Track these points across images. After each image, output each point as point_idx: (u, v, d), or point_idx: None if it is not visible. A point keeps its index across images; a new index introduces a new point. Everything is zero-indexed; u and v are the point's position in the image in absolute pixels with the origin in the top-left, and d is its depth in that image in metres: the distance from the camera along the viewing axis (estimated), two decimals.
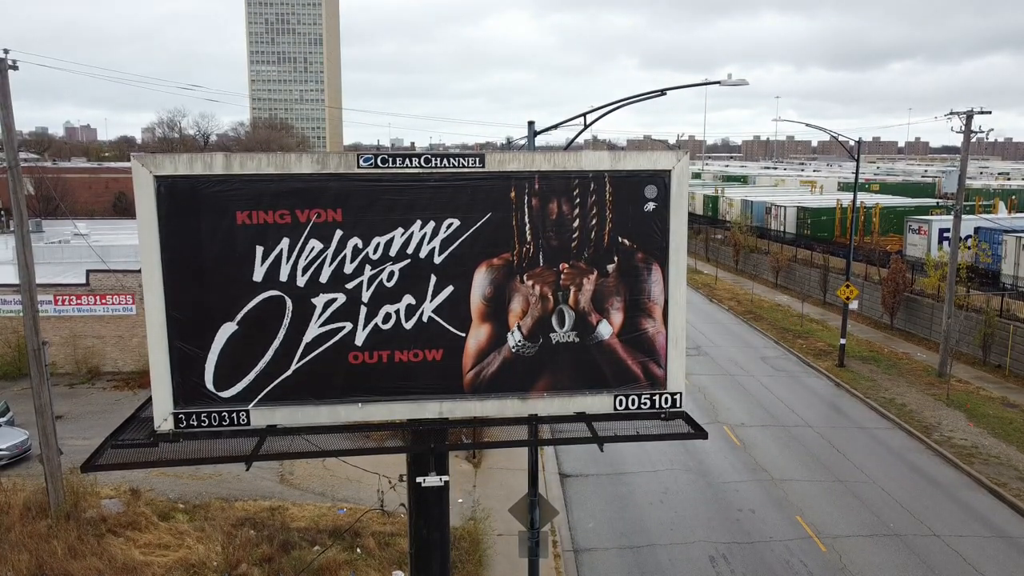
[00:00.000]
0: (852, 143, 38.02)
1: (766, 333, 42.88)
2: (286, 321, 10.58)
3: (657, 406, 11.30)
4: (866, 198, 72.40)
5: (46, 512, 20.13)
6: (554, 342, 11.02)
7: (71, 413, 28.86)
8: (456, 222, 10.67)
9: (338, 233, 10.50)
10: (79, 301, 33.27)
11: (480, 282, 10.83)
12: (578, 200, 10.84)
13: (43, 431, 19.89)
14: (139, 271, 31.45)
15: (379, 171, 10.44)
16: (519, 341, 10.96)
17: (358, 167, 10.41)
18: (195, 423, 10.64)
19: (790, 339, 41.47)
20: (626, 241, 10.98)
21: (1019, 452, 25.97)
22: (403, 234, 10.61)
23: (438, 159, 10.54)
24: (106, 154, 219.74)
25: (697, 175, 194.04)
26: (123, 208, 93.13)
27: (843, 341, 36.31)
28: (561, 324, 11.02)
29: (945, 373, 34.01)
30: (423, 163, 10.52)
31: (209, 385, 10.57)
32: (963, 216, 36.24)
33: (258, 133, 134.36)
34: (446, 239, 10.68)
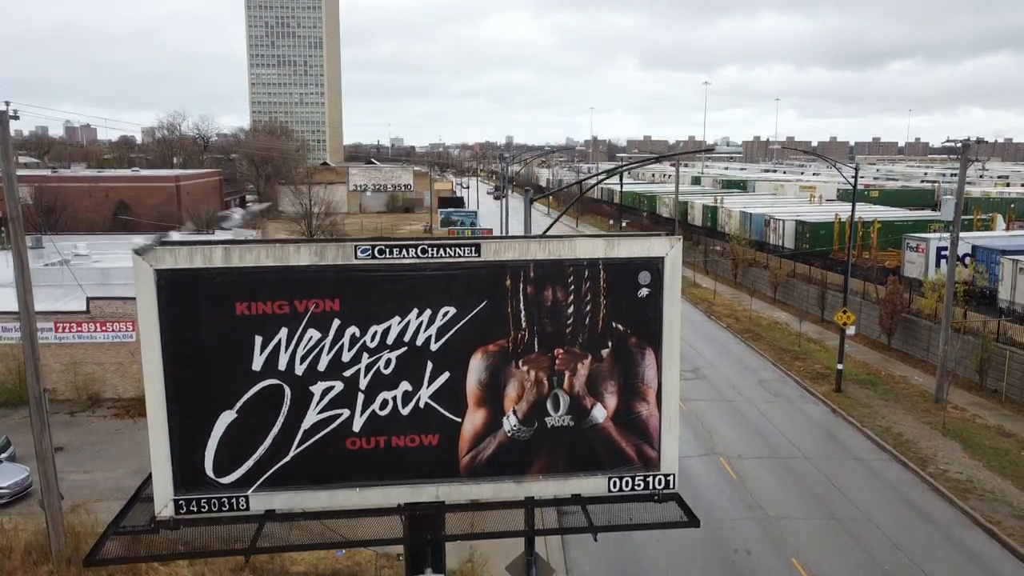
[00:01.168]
0: (851, 167, 38.13)
1: (764, 354, 43.02)
2: (285, 408, 10.74)
3: (651, 487, 11.46)
4: (865, 211, 72.40)
5: (48, 556, 20.28)
6: (549, 426, 11.18)
7: (71, 444, 28.99)
8: (452, 310, 10.82)
9: (336, 322, 10.65)
10: (79, 328, 33.41)
11: (476, 368, 10.98)
12: (573, 287, 10.99)
13: (44, 476, 20.03)
14: None
15: (376, 262, 10.58)
16: (515, 425, 11.11)
17: (355, 258, 10.56)
18: (195, 509, 10.81)
19: (788, 360, 41.61)
20: (620, 326, 11.13)
21: (1014, 487, 26.12)
22: (400, 322, 10.76)
23: (434, 249, 10.68)
24: (107, 157, 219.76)
25: (697, 180, 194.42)
26: (124, 223, 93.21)
27: (840, 367, 36.46)
28: (556, 408, 11.17)
29: (942, 399, 34.15)
30: (419, 253, 10.67)
31: (209, 471, 10.73)
32: (960, 234, 36.32)
33: (258, 138, 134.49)
34: (442, 327, 10.83)
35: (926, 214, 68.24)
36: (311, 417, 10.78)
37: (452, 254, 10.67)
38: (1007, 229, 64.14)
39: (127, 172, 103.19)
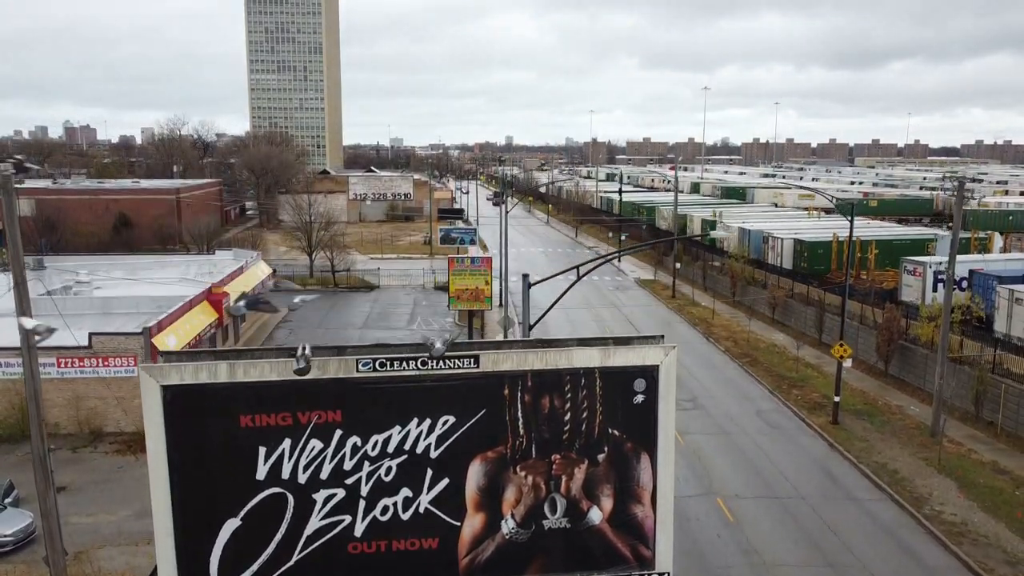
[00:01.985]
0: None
1: (762, 381, 43.26)
2: (287, 516, 10.98)
3: None
4: (862, 228, 72.57)
5: None
6: (546, 528, 11.43)
7: (74, 484, 29.24)
8: (451, 419, 11.07)
9: (338, 432, 10.90)
10: (81, 363, 33.66)
11: (475, 474, 11.23)
12: (569, 395, 11.24)
13: (49, 533, 20.23)
14: (140, 332, 31.69)
15: (377, 374, 10.82)
16: (513, 528, 11.35)
17: (357, 371, 10.80)
18: None
19: (785, 388, 41.85)
20: (616, 432, 11.38)
21: (1007, 530, 26.37)
22: (400, 431, 11.01)
23: (434, 361, 10.92)
24: (107, 160, 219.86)
25: (696, 187, 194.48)
26: (125, 237, 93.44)
27: (837, 399, 36.71)
28: (553, 511, 11.43)
29: (938, 433, 34.42)
30: (419, 365, 10.91)
31: None
32: (958, 257, 36.39)
33: (258, 147, 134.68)
34: (442, 435, 11.07)
35: (924, 232, 68.45)
36: (313, 523, 11.03)
37: (451, 365, 10.92)
38: (1004, 249, 64.45)
39: (127, 184, 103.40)
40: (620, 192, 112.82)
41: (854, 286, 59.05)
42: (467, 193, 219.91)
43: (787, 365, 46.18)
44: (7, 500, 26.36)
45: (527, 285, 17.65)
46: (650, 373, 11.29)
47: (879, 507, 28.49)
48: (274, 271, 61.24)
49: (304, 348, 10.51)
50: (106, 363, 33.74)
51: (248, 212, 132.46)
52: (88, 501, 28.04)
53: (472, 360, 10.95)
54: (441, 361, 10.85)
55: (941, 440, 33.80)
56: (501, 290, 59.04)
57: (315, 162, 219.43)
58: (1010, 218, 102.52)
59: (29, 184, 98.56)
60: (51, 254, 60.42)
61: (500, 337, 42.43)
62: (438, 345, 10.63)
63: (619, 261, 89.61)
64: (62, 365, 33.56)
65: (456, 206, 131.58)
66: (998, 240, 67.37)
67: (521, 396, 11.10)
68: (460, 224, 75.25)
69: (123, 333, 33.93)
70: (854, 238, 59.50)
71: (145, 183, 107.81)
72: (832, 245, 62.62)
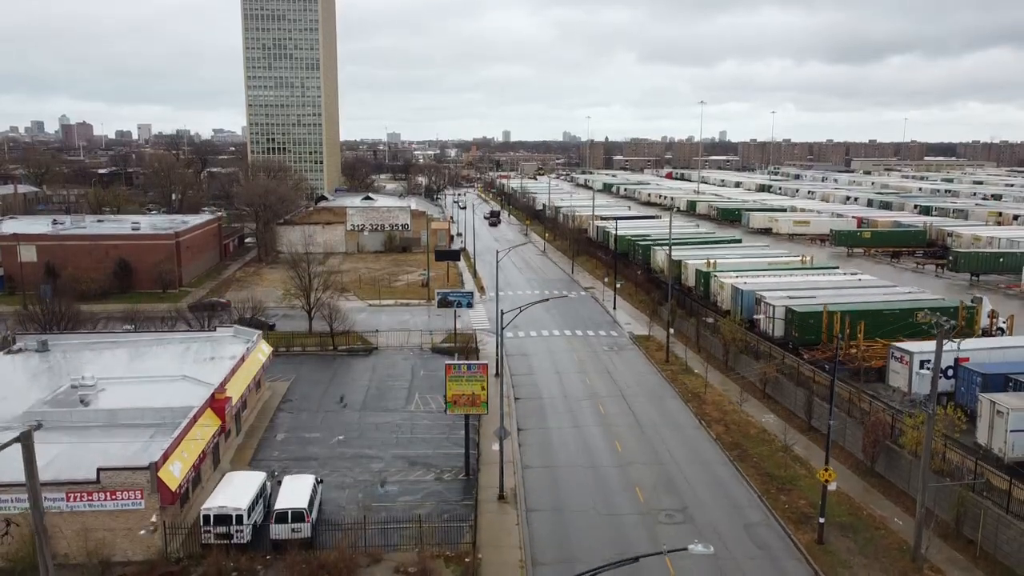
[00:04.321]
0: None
1: (751, 482, 44.35)
2: None
3: None
4: (851, 291, 73.70)
5: None
6: None
7: None
8: None
9: None
10: (90, 497, 34.75)
11: None
12: None
13: None
14: (147, 467, 33.00)
15: None
16: None
17: None
18: None
19: (774, 493, 43.00)
20: None
21: None
22: None
23: None
24: (103, 171, 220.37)
25: (692, 206, 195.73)
26: (126, 284, 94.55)
27: (822, 520, 37.89)
28: None
29: (919, 558, 35.65)
30: None
31: None
32: (945, 343, 37.19)
33: (257, 180, 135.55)
34: None
35: (914, 299, 69.42)
36: None
37: None
38: (990, 319, 65.53)
39: (127, 229, 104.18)
40: (615, 241, 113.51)
41: (843, 362, 60.39)
42: (464, 208, 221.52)
43: (776, 459, 47.32)
44: None
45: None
46: None
47: None
48: (274, 350, 62.03)
49: None
50: (114, 496, 34.84)
51: (247, 241, 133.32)
52: None
53: None
54: None
55: (921, 567, 35.01)
56: (497, 360, 60.06)
57: (312, 179, 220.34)
58: (1000, 260, 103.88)
59: (32, 231, 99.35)
60: (54, 331, 61.31)
61: (495, 446, 43.53)
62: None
63: (615, 308, 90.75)
64: (71, 500, 34.65)
65: (453, 245, 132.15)
66: (986, 304, 68.54)
67: None
68: (458, 290, 76.16)
69: (130, 468, 35.01)
70: (843, 308, 60.90)
71: (145, 223, 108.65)
72: (823, 316, 63.73)
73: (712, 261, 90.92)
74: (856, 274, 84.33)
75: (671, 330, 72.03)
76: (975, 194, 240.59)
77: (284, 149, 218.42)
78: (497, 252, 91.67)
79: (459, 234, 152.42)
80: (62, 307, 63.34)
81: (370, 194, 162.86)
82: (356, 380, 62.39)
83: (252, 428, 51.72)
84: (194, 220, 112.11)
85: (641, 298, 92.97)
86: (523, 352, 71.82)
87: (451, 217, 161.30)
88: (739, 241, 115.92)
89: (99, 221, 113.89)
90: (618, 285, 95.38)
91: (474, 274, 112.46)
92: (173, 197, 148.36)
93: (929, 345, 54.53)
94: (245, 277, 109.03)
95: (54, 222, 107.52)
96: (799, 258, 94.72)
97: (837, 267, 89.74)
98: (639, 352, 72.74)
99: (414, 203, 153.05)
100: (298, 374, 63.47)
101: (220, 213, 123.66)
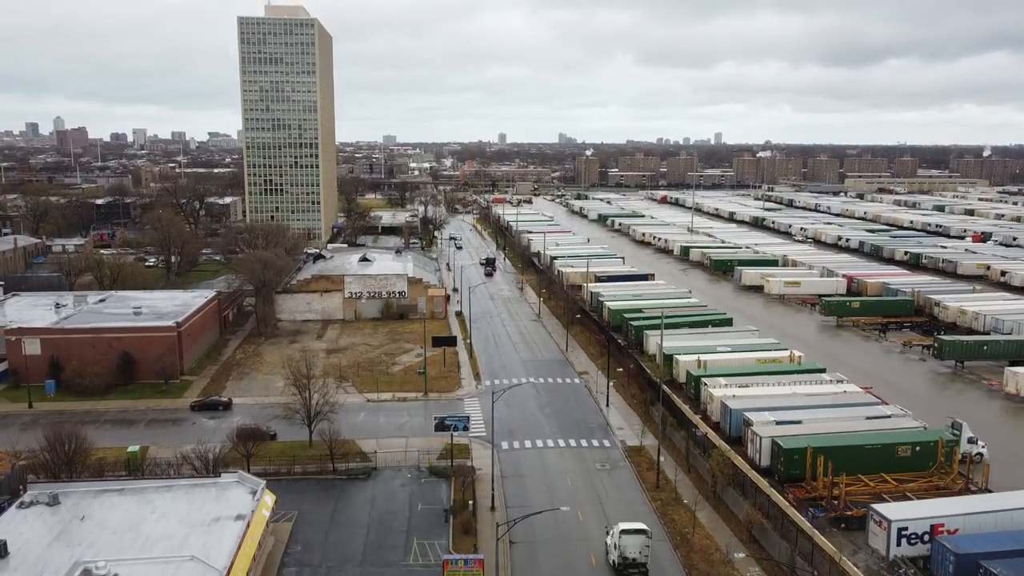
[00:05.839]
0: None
1: None
2: None
3: None
4: (830, 414, 75.77)
5: None
6: None
7: None
8: None
9: None
10: None
11: None
12: None
13: None
14: None
15: None
16: None
17: None
18: None
19: None
20: None
21: None
22: None
23: None
24: (100, 193, 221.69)
25: (686, 252, 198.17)
26: (128, 376, 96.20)
27: None
28: None
29: None
30: None
31: None
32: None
33: (255, 247, 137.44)
34: None
35: (896, 428, 71.78)
36: None
37: None
38: (968, 456, 67.74)
39: (129, 311, 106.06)
40: (609, 313, 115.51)
41: (824, 507, 62.68)
42: (460, 248, 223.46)
43: None
44: None
45: None
46: None
47: None
48: (276, 499, 63.78)
49: None
50: None
51: (246, 308, 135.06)
52: None
53: None
54: None
55: None
56: (491, 496, 61.89)
57: (309, 220, 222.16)
58: (984, 348, 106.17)
59: (38, 326, 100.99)
60: (63, 479, 62.99)
61: None
62: None
63: (607, 405, 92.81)
64: None
65: (449, 306, 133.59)
66: (966, 430, 70.89)
67: None
68: (454, 415, 78.11)
69: None
70: (827, 443, 63.14)
71: (147, 307, 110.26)
72: (807, 453, 65.97)
73: (703, 361, 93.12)
74: (842, 382, 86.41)
75: (661, 458, 74.02)
76: (965, 231, 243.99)
77: (281, 190, 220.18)
78: (493, 393, 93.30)
79: (455, 290, 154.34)
80: (69, 447, 64.89)
81: (367, 254, 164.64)
82: (356, 519, 64.33)
83: None
84: (195, 302, 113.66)
85: (633, 392, 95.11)
86: (518, 473, 73.70)
87: (446, 283, 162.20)
88: (730, 322, 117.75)
89: (101, 300, 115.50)
90: (611, 382, 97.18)
91: (470, 354, 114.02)
92: (172, 260, 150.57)
93: (907, 509, 56.89)
94: (245, 359, 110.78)
95: (57, 306, 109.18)
96: (787, 353, 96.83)
97: (823, 370, 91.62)
98: (631, 472, 74.60)
99: (411, 266, 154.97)
100: (299, 510, 65.37)
101: (218, 292, 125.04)
